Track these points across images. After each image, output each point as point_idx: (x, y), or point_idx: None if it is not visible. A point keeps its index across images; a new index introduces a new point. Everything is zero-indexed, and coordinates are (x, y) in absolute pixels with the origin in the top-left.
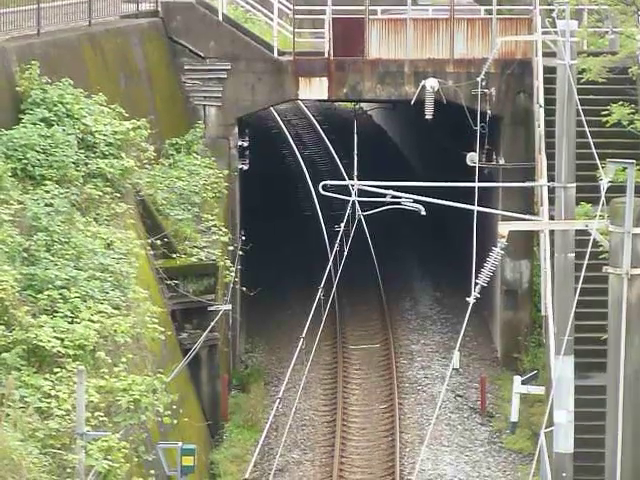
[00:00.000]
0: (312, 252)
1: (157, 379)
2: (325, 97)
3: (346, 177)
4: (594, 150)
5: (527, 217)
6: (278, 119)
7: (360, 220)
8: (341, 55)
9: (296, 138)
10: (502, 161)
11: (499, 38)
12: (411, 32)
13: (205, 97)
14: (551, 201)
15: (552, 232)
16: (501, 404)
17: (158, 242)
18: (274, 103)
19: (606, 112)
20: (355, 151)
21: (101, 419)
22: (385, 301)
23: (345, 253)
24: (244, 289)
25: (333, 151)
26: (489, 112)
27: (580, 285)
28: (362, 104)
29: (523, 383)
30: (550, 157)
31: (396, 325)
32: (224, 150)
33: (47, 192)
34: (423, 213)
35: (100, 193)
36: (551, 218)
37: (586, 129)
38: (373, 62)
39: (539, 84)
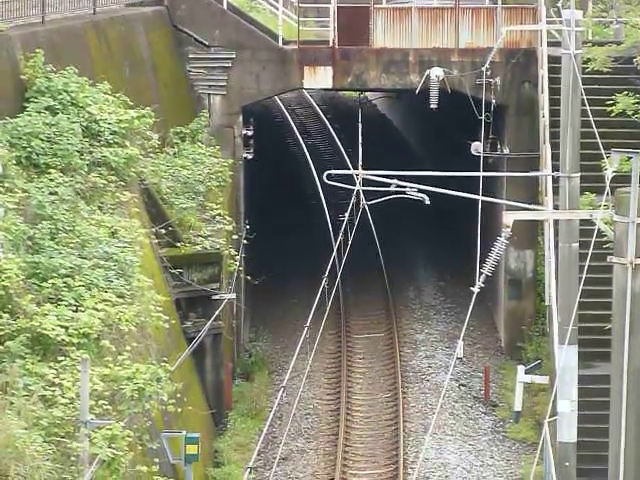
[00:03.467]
0: (316, 241)
1: (161, 368)
2: (330, 86)
3: (350, 166)
4: (599, 140)
5: (531, 207)
6: (282, 108)
7: (364, 209)
8: (346, 44)
9: (300, 127)
10: (507, 150)
11: (504, 27)
12: (416, 21)
13: (210, 86)
14: (555, 191)
15: (556, 222)
16: (505, 393)
17: (162, 231)
18: (279, 92)
19: (611, 102)
20: (360, 140)
21: (105, 407)
22: (389, 290)
23: (349, 242)
24: (248, 278)
25: (337, 140)
26: (494, 101)
27: (584, 275)
28: (367, 93)
29: (527, 372)
30: (555, 147)
31: (400, 314)
32: (229, 139)
33: (51, 180)
34: (427, 202)
35: (104, 182)
36: (555, 208)
37: (591, 119)
38: (378, 51)
39: (544, 74)
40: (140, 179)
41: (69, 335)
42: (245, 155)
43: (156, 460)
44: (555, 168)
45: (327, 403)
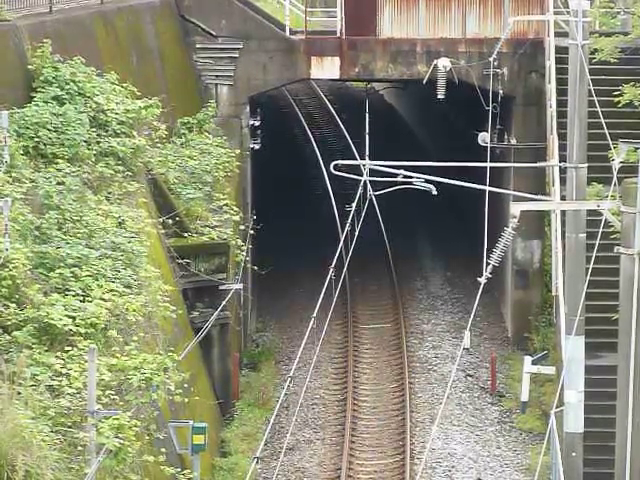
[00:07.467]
0: (323, 231)
1: (168, 357)
2: (337, 76)
3: (357, 156)
4: (606, 130)
5: (539, 197)
6: (290, 98)
7: (371, 200)
8: (353, 34)
9: (307, 117)
10: (514, 141)
11: (511, 18)
12: (423, 11)
13: (217, 76)
14: (563, 181)
15: (563, 212)
16: (511, 384)
17: (169, 221)
18: (286, 82)
19: (618, 92)
20: (367, 130)
21: (112, 397)
22: (396, 280)
23: (356, 233)
24: (255, 268)
25: (344, 130)
26: (501, 92)
27: (591, 265)
28: (373, 83)
29: (534, 363)
30: (562, 137)
31: (407, 305)
32: (236, 129)
33: (59, 170)
34: (434, 193)
35: (112, 172)
36: (563, 198)
37: (598, 109)
38: (385, 41)
39: (551, 64)
40: (147, 169)
41: (76, 325)
42: (252, 145)
43: (163, 450)
44: (562, 158)
45: (334, 393)
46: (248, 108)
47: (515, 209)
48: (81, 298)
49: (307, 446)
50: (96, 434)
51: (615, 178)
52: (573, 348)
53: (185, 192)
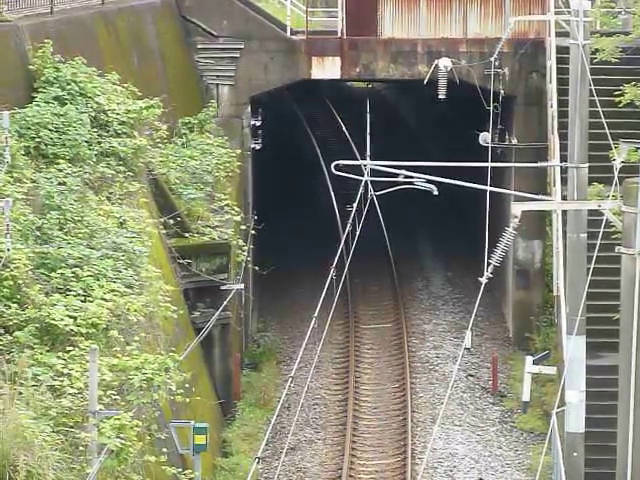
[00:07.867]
0: (324, 231)
1: (170, 358)
2: (338, 77)
3: (358, 157)
4: (607, 130)
5: (540, 197)
6: (289, 98)
7: (372, 200)
8: (354, 34)
9: (308, 117)
10: (515, 141)
11: (512, 18)
12: (424, 11)
13: (218, 76)
14: (564, 181)
15: (565, 212)
16: (513, 384)
17: (171, 221)
18: (287, 82)
19: (619, 92)
20: (367, 130)
21: (114, 397)
22: (397, 280)
23: (357, 233)
24: (256, 268)
25: (345, 130)
26: (502, 92)
27: (592, 265)
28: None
29: (535, 363)
30: (563, 137)
31: (408, 305)
32: (237, 129)
33: (60, 171)
34: (435, 193)
35: (113, 172)
36: (564, 198)
37: (599, 109)
38: (386, 41)
39: (552, 64)
40: (148, 169)
41: (77, 325)
42: (253, 145)
43: (164, 450)
44: (563, 158)
45: (335, 393)
46: (249, 108)
47: (516, 209)
48: (82, 298)
49: (308, 446)
50: (97, 434)
51: (616, 178)
52: (574, 348)
53: (186, 192)
